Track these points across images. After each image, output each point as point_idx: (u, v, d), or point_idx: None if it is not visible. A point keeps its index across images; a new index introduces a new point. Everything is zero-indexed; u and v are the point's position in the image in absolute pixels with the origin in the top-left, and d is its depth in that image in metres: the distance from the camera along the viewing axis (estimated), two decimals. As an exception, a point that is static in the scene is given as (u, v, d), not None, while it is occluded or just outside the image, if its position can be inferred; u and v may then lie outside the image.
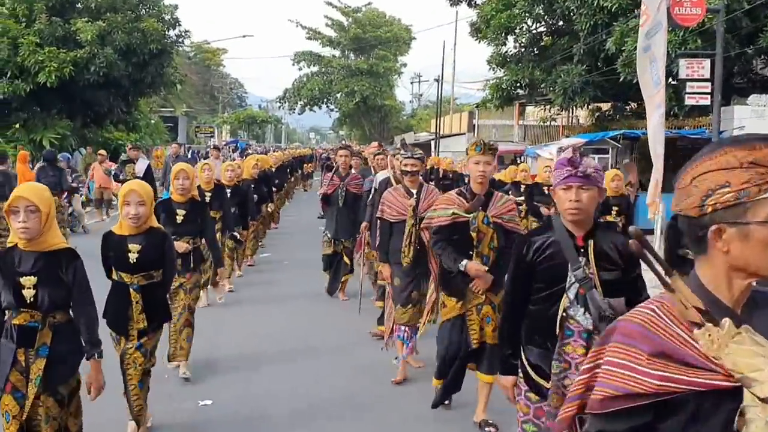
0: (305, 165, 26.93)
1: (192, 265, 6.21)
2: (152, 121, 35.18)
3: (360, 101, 52.89)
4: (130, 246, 4.50)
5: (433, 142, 37.64)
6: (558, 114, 24.39)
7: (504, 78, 20.36)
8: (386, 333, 6.50)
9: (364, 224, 7.93)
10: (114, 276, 4.60)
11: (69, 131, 22.01)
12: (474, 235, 4.70)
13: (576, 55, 19.48)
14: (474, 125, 35.50)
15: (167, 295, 5.07)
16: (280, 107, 60.51)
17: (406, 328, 6.11)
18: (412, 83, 69.05)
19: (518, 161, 22.99)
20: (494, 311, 4.77)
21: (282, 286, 10.32)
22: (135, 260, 4.50)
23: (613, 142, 16.92)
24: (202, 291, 8.23)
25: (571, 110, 24.68)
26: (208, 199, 7.95)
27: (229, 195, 8.95)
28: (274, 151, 40.92)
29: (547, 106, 23.02)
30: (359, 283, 8.51)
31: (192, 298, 6.22)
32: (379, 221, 6.23)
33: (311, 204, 22.22)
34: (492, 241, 4.73)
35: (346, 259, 9.10)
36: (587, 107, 22.87)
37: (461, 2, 23.46)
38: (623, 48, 17.09)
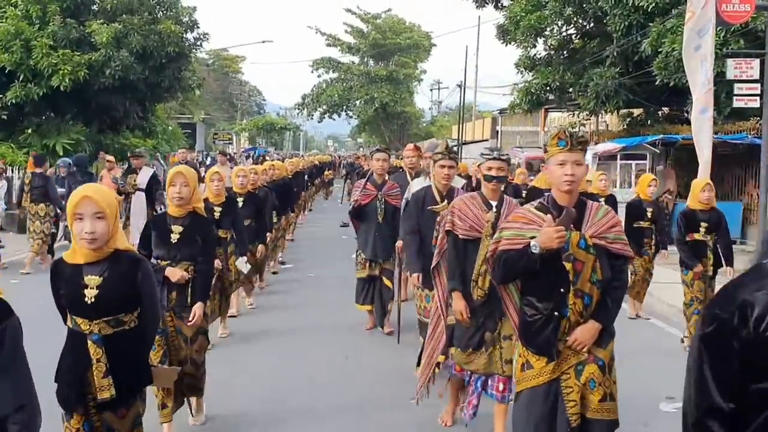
0: (325, 172, 26.23)
1: (190, 301, 4.81)
2: (170, 128, 34.65)
3: (379, 108, 52.27)
4: (87, 279, 3.20)
5: (455, 149, 36.87)
6: (587, 119, 23.54)
7: (533, 81, 19.53)
8: (421, 381, 5.22)
9: (399, 243, 6.99)
10: (69, 322, 3.34)
11: (83, 136, 21.40)
12: (568, 265, 3.42)
13: (608, 58, 18.65)
14: (497, 131, 34.70)
15: (147, 350, 3.71)
16: (299, 114, 59.97)
17: (473, 376, 4.76)
18: (431, 90, 68.58)
19: (547, 168, 22.13)
20: (603, 372, 3.47)
21: (307, 310, 9.33)
22: (93, 298, 3.20)
23: (651, 147, 16.04)
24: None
25: (599, 115, 23.83)
26: (217, 215, 6.86)
27: (241, 204, 7.93)
28: (291, 158, 40.46)
29: (575, 111, 22.17)
30: (397, 308, 7.49)
31: (195, 349, 4.88)
32: (447, 237, 4.84)
33: (333, 212, 21.56)
34: (594, 272, 3.45)
35: (387, 282, 7.73)
36: (617, 112, 22.00)
37: (487, 4, 22.68)
38: (660, 49, 16.26)
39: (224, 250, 7.07)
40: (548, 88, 19.71)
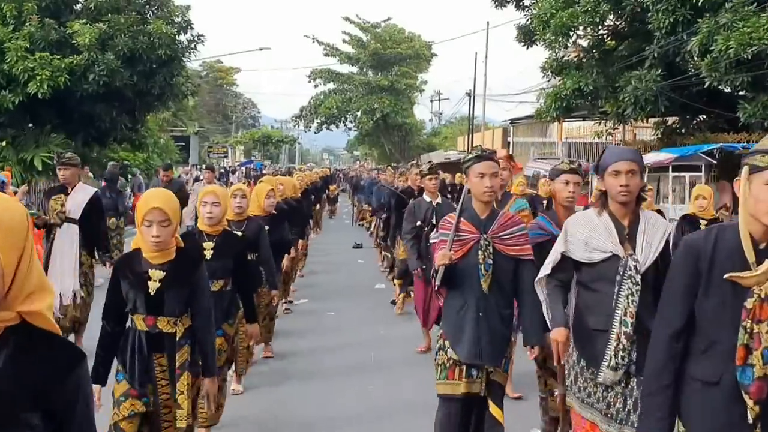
0: (330, 187, 24.10)
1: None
2: (162, 140, 32.70)
3: (380, 119, 50.61)
4: None
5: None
6: (615, 128, 21.59)
7: (566, 85, 17.58)
8: None
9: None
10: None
11: (64, 150, 19.31)
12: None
13: (648, 59, 16.76)
14: (509, 142, 32.74)
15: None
16: (295, 126, 58.43)
17: None
18: (431, 101, 66.81)
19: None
20: None
21: (331, 356, 7.62)
22: None
23: (707, 158, 14.10)
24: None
25: (628, 124, 21.89)
26: (209, 256, 4.98)
27: (241, 233, 5.74)
28: (284, 173, 38.50)
29: (602, 120, 20.24)
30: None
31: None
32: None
33: (342, 232, 19.60)
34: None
35: (496, 411, 4.20)
36: (646, 120, 20.10)
37: (508, 3, 20.78)
38: (711, 48, 14.38)
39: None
40: (581, 92, 17.78)
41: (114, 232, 11.55)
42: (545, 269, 3.87)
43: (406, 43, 52.35)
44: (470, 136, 34.16)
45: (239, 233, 5.59)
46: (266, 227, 6.27)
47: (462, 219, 4.14)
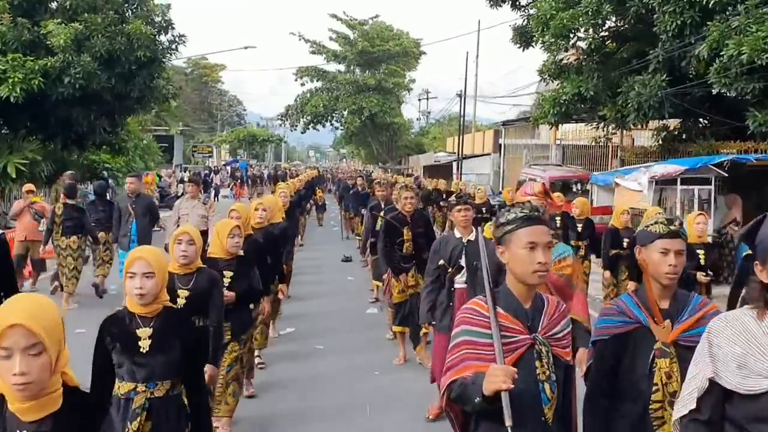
0: (317, 192, 22.99)
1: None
2: (144, 142, 31.68)
3: (367, 118, 49.73)
4: None
5: (455, 164, 34.14)
6: (612, 134, 20.87)
7: (565, 90, 16.81)
8: None
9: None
10: None
11: (40, 155, 18.39)
12: None
13: (653, 63, 16.02)
14: (500, 145, 31.98)
15: None
16: (281, 124, 57.41)
17: None
18: (420, 100, 66.01)
19: (575, 189, 19.44)
20: None
21: (320, 413, 6.50)
22: None
23: (717, 170, 13.35)
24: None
25: (626, 129, 21.15)
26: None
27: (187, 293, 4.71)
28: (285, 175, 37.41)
29: (600, 124, 19.50)
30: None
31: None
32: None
33: (330, 243, 18.45)
34: None
35: None
36: (645, 125, 19.33)
37: (504, 2, 19.99)
38: (722, 53, 13.63)
39: None
40: (581, 97, 17.02)
41: (104, 246, 11.10)
42: (686, 403, 2.43)
43: (394, 41, 51.47)
44: (461, 137, 33.37)
45: (184, 293, 4.60)
46: (231, 273, 5.37)
47: (499, 310, 2.74)
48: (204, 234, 7.96)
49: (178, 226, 8.72)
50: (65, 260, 10.36)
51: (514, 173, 30.57)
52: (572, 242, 9.37)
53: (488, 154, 33.17)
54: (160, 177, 30.90)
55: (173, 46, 19.72)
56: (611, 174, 15.65)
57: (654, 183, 13.45)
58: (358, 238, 16.37)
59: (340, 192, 20.92)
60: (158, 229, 13.26)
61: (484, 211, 14.11)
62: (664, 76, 15.60)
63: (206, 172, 43.89)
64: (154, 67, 19.01)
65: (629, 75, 16.62)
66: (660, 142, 19.51)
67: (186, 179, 37.60)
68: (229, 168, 50.34)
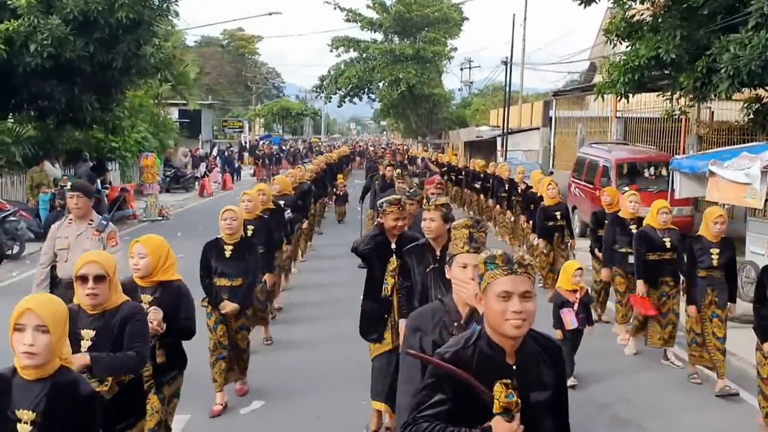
0: (339, 179, 19.59)
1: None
2: (159, 118, 28.94)
3: (405, 90, 46.55)
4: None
5: (499, 139, 30.76)
6: (690, 105, 17.31)
7: (639, 52, 13.43)
8: None
9: None
10: None
11: (9, 137, 15.68)
12: None
13: (753, 17, 12.52)
14: (551, 118, 28.48)
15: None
16: (316, 97, 54.76)
17: None
18: (461, 69, 62.41)
19: (647, 174, 16.04)
20: None
21: None
22: None
23: None
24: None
25: (708, 100, 17.52)
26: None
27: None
28: (306, 156, 34.61)
29: (674, 95, 15.98)
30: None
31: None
32: None
33: (344, 239, 14.28)
34: None
35: None
36: (724, 95, 15.68)
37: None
38: None
39: None
40: (657, 62, 13.63)
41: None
42: None
43: (434, 6, 47.92)
44: (506, 109, 29.94)
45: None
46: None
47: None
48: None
49: (55, 263, 6.08)
50: None
51: (567, 150, 27.13)
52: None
53: (537, 128, 29.68)
54: (167, 159, 28.18)
55: (165, 6, 16.65)
56: (702, 158, 12.28)
57: (767, 174, 10.07)
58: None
59: (366, 181, 16.25)
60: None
61: (558, 217, 10.73)
62: (769, 32, 12.12)
63: (231, 148, 41.13)
64: (140, 32, 16.01)
65: (722, 33, 13.17)
66: (750, 116, 15.98)
67: (211, 155, 34.69)
68: (250, 142, 47.73)
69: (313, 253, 14.29)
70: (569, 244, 10.81)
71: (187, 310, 4.59)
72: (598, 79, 33.56)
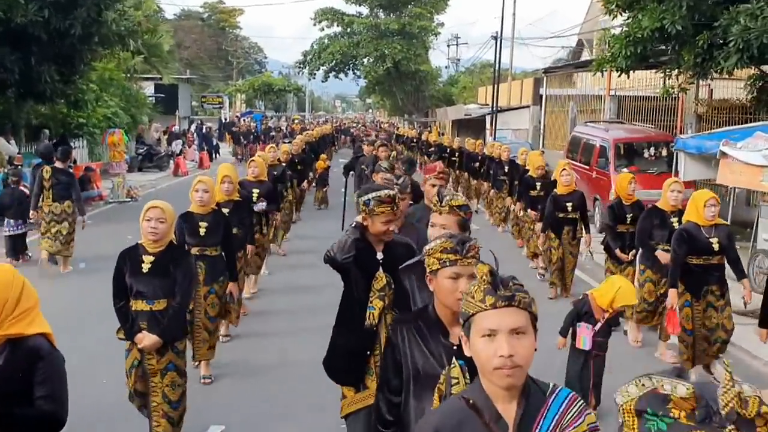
0: (321, 159, 18.23)
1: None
2: (132, 92, 27.56)
3: (391, 66, 45.40)
4: None
5: (488, 117, 29.67)
6: (690, 82, 16.28)
7: (642, 24, 12.36)
8: None
9: None
10: None
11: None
12: None
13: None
14: (541, 96, 27.43)
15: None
16: (299, 72, 53.43)
17: None
18: (448, 46, 61.17)
19: (653, 154, 14.98)
20: None
21: None
22: None
23: None
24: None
25: (708, 78, 16.48)
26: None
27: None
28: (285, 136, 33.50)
29: (673, 71, 14.95)
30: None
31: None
32: None
33: (323, 229, 12.60)
34: None
35: None
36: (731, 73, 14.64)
37: None
38: None
39: None
40: (661, 34, 12.58)
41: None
42: None
43: (420, -21, 46.73)
44: (495, 87, 28.83)
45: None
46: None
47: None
48: None
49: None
50: (60, 225, 10.14)
51: (558, 129, 26.13)
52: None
53: (527, 107, 28.62)
54: (138, 136, 26.83)
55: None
56: (710, 137, 11.29)
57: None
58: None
59: (350, 161, 14.63)
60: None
61: (570, 208, 9.45)
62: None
63: (209, 125, 39.78)
64: (101, -3, 14.73)
65: (731, 4, 12.13)
66: (754, 93, 14.99)
67: (189, 131, 33.04)
68: (227, 119, 46.23)
69: (287, 245, 12.89)
70: (582, 239, 9.49)
71: (45, 385, 2.85)
72: (586, 56, 32.60)
